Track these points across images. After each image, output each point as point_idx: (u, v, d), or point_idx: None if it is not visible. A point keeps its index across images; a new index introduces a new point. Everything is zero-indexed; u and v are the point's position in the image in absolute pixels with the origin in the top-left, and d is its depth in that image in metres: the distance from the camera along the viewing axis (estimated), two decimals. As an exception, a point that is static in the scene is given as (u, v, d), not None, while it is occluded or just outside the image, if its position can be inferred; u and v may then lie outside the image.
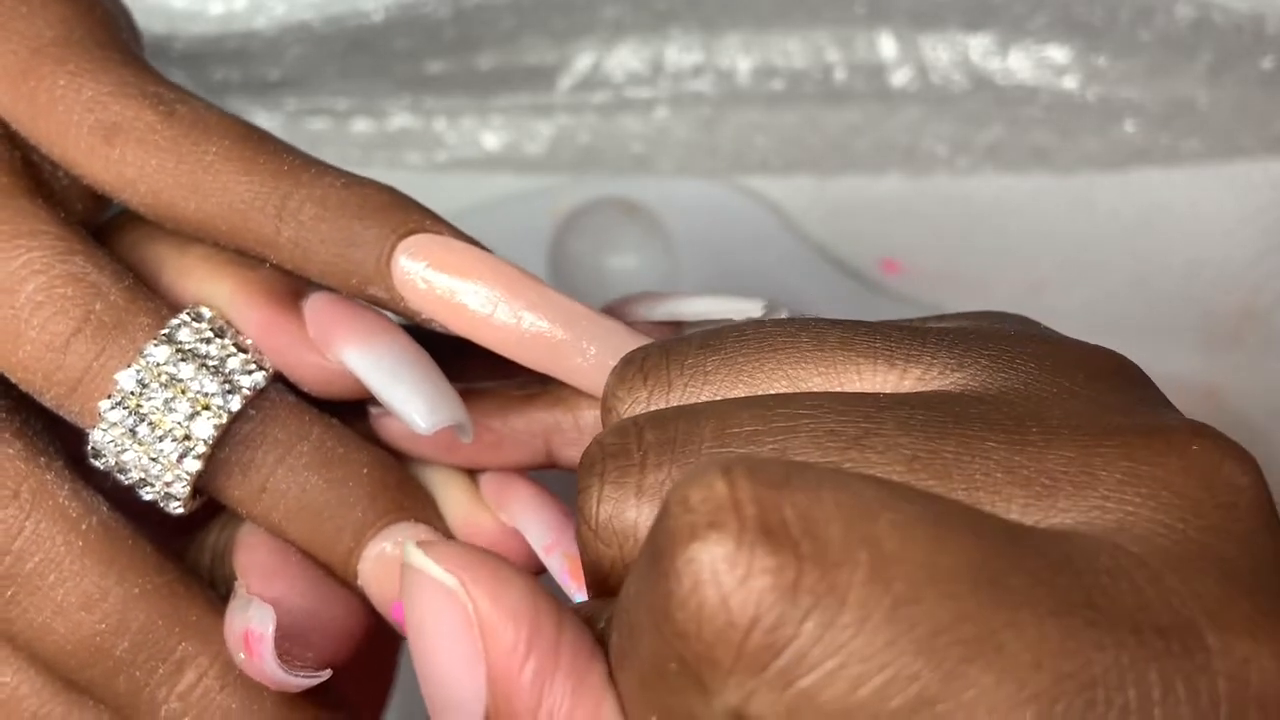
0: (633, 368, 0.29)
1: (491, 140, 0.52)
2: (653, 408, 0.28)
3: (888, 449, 0.25)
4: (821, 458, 0.25)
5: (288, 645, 0.30)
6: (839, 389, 0.28)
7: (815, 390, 0.28)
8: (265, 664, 0.30)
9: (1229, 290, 0.49)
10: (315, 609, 0.32)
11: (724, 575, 0.22)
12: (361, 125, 0.52)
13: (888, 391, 0.27)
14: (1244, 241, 0.49)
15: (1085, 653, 0.22)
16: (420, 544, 0.25)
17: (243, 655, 0.30)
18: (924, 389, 0.27)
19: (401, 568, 0.25)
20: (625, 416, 0.29)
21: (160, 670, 0.31)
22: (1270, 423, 0.49)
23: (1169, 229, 0.50)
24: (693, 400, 0.28)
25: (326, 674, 0.31)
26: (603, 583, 0.27)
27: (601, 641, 0.25)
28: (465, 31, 0.50)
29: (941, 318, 0.30)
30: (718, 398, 0.28)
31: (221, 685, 0.31)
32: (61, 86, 0.32)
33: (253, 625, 0.30)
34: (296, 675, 0.30)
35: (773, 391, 0.28)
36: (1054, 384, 0.27)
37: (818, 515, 0.22)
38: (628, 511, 0.27)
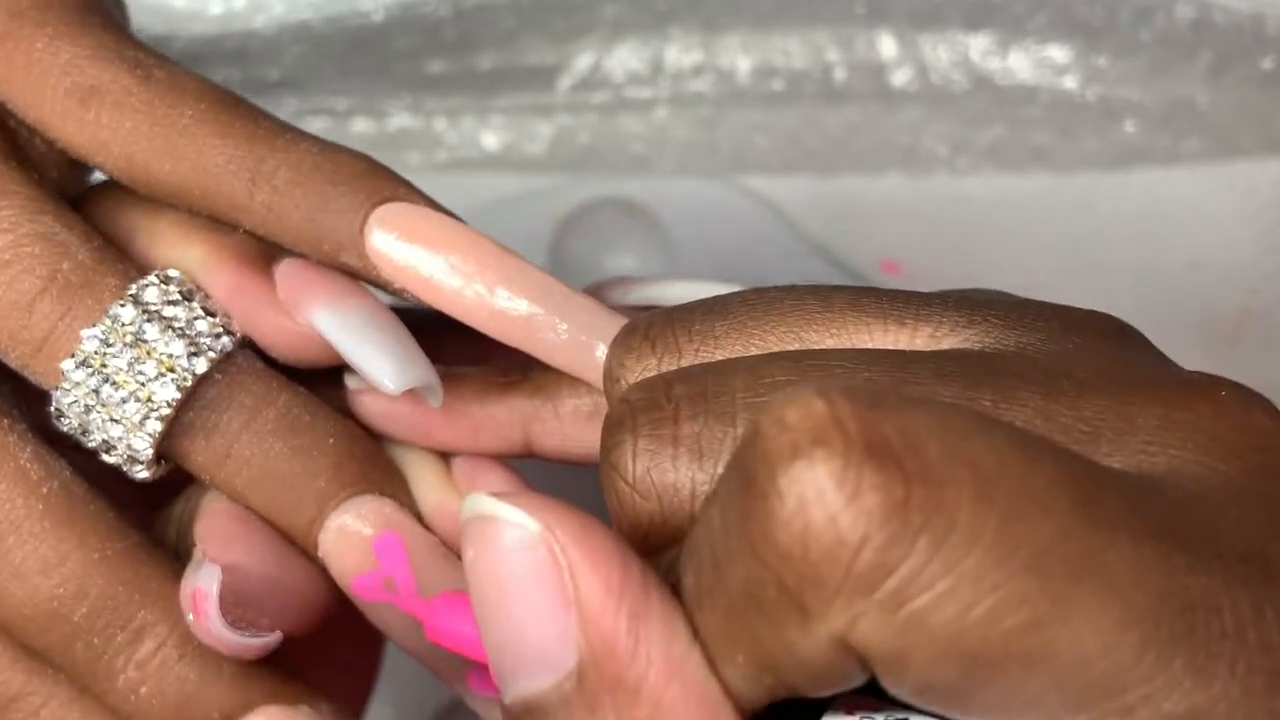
0: (637, 336, 0.29)
1: (491, 140, 0.52)
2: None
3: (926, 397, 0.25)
4: None
5: (243, 611, 0.30)
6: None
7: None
8: (210, 623, 0.29)
9: (1229, 290, 0.49)
10: (273, 576, 0.31)
11: (831, 493, 0.21)
12: (361, 125, 0.52)
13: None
14: (1244, 241, 0.49)
15: (1181, 576, 0.22)
16: (489, 495, 0.24)
17: (191, 616, 0.30)
18: (937, 347, 0.27)
19: (465, 521, 0.24)
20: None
21: (119, 638, 0.30)
22: (1271, 423, 0.48)
23: (1169, 229, 0.50)
24: None
25: (275, 636, 0.30)
26: (641, 541, 0.27)
27: None
28: (465, 31, 0.50)
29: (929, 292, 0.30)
30: None
31: (180, 655, 0.31)
32: (39, 49, 0.32)
33: (199, 584, 0.30)
34: (243, 636, 0.30)
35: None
36: (1068, 341, 0.27)
37: (918, 434, 0.21)
38: (665, 463, 0.26)
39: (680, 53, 0.51)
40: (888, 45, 0.50)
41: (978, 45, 0.50)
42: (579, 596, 0.23)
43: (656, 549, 0.26)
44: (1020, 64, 0.50)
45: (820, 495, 0.21)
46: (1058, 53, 0.50)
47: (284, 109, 0.52)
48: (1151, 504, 0.23)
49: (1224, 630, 0.22)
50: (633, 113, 0.51)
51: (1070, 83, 0.50)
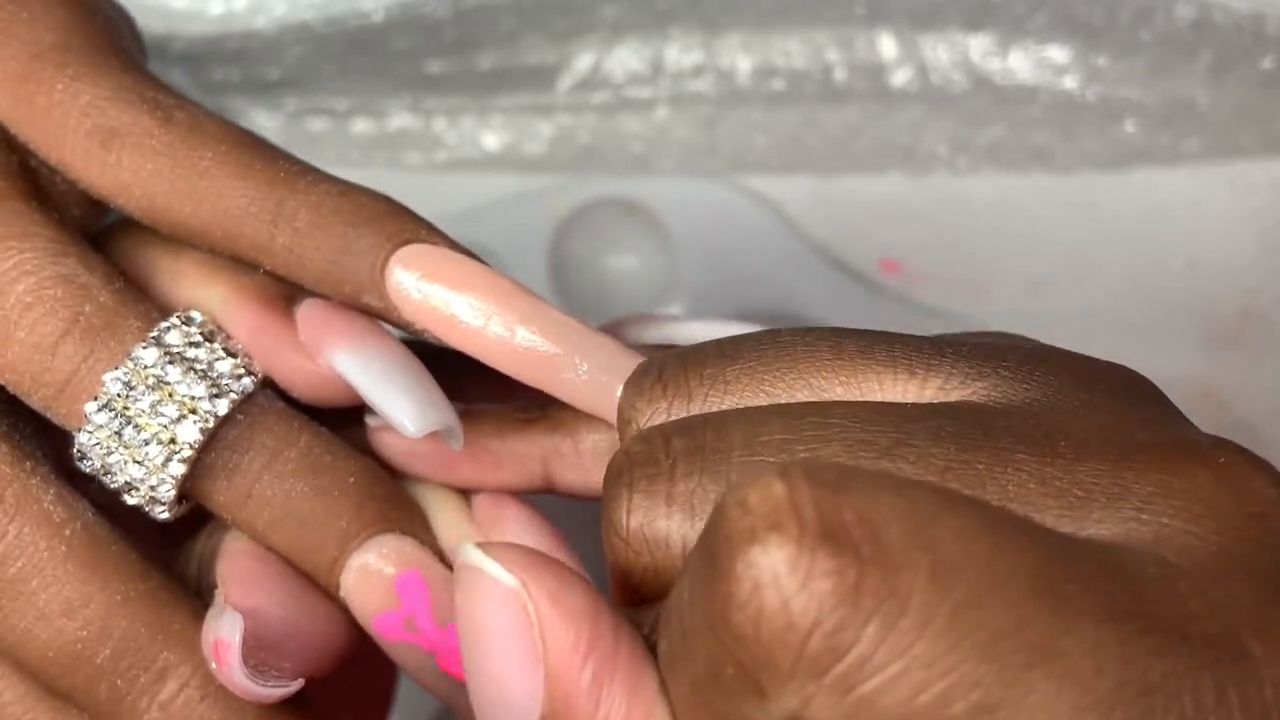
0: (649, 378, 0.29)
1: (491, 140, 0.52)
2: (673, 418, 0.28)
3: (920, 459, 0.25)
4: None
5: (264, 655, 0.30)
6: (861, 398, 0.28)
7: (840, 399, 0.28)
8: (232, 673, 0.29)
9: (1229, 290, 0.49)
10: (294, 619, 0.31)
11: (785, 578, 0.21)
12: (361, 125, 0.52)
13: (910, 400, 0.27)
14: (1244, 241, 0.49)
15: (1142, 660, 0.22)
16: (479, 545, 0.25)
17: (214, 664, 0.30)
18: (946, 399, 0.27)
19: (456, 567, 0.25)
20: (646, 426, 0.29)
21: (142, 679, 0.31)
22: (1270, 423, 0.49)
23: (1169, 229, 0.50)
24: (714, 410, 0.28)
25: (297, 684, 0.30)
26: (634, 592, 0.27)
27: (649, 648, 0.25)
28: (465, 31, 0.50)
29: (946, 336, 0.30)
30: (739, 407, 0.28)
31: (203, 695, 0.31)
32: (60, 91, 0.32)
33: (221, 634, 0.30)
34: (264, 685, 0.30)
35: (796, 401, 0.28)
36: (1075, 397, 0.27)
37: (877, 518, 0.22)
38: (658, 520, 0.27)
39: (680, 53, 0.51)
40: (888, 45, 0.50)
41: (978, 45, 0.50)
42: (546, 654, 0.24)
43: (649, 600, 0.27)
44: (1020, 64, 0.50)
45: (775, 580, 0.21)
46: (1058, 53, 0.50)
47: (284, 109, 0.52)
48: (1123, 583, 0.23)
49: (1184, 714, 0.22)
50: (633, 113, 0.51)
51: (1070, 83, 0.50)
